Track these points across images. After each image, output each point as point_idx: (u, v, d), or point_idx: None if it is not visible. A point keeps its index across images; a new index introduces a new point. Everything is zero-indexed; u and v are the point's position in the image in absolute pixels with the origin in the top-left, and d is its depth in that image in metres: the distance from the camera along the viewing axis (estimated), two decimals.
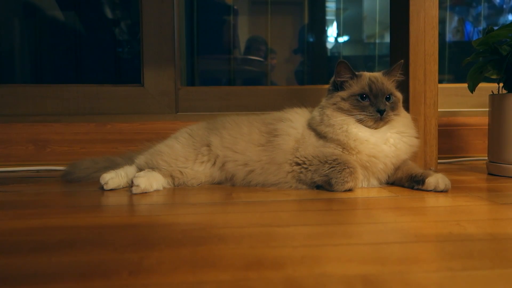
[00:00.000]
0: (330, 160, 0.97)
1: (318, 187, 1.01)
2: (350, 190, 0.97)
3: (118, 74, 2.01)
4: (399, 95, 1.09)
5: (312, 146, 1.03)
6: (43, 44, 1.96)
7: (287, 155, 1.04)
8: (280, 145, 1.05)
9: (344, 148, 1.00)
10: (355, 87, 1.04)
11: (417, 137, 1.08)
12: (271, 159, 1.05)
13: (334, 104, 1.04)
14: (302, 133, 1.06)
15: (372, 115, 1.01)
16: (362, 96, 1.02)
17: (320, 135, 1.04)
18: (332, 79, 1.09)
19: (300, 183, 1.02)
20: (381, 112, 1.00)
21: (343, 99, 1.04)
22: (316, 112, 1.07)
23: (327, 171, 0.97)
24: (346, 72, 1.05)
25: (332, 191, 0.97)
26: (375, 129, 1.02)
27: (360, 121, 1.01)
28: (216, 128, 1.14)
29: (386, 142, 1.02)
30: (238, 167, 1.08)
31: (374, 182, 1.03)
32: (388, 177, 1.05)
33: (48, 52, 1.96)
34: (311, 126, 1.07)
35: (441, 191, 0.95)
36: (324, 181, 0.98)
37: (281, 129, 1.07)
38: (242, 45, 2.09)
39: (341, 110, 1.03)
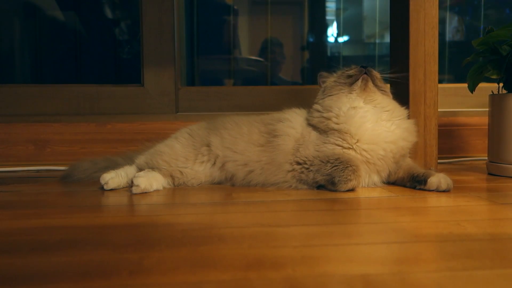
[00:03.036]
0: (332, 160, 0.97)
1: (319, 187, 1.01)
2: (352, 189, 0.96)
3: (118, 74, 2.01)
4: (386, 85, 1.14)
5: (312, 144, 1.03)
6: (43, 44, 1.96)
7: (287, 155, 1.03)
8: (279, 146, 1.05)
9: (344, 139, 1.00)
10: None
11: (411, 120, 1.10)
12: (271, 159, 1.05)
13: (324, 90, 1.12)
14: (302, 132, 1.06)
15: (359, 74, 1.06)
16: (349, 73, 1.10)
17: (320, 129, 1.05)
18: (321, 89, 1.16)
19: (301, 183, 1.02)
20: (364, 67, 1.07)
21: (332, 81, 1.12)
22: (315, 106, 1.11)
23: (329, 170, 0.97)
24: (326, 75, 1.16)
25: (335, 190, 0.96)
26: (365, 97, 1.05)
27: (351, 89, 1.06)
28: (216, 128, 1.14)
29: (381, 125, 1.02)
30: (238, 167, 1.08)
31: (375, 177, 1.03)
32: (389, 172, 1.05)
33: (48, 52, 1.96)
34: (311, 123, 1.07)
35: (443, 191, 0.95)
36: (327, 180, 0.97)
37: (280, 129, 1.07)
38: (243, 45, 2.09)
39: (333, 89, 1.09)
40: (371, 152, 1.00)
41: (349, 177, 0.94)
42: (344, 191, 0.96)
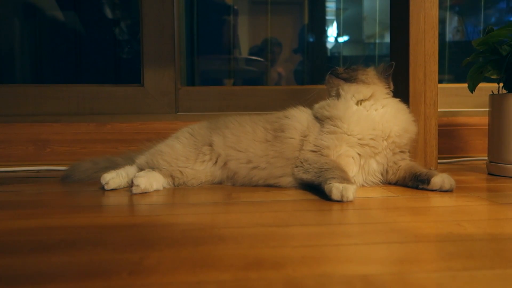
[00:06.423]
0: (322, 164, 0.98)
1: (316, 189, 1.01)
2: (344, 189, 0.89)
3: (118, 74, 2.01)
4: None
5: (313, 138, 1.05)
6: (43, 44, 1.96)
7: (295, 149, 1.05)
8: (288, 139, 1.07)
9: (335, 125, 1.04)
10: None
11: (398, 106, 1.10)
12: (279, 153, 1.06)
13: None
14: (308, 125, 1.09)
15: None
16: None
17: (319, 119, 1.09)
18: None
19: (305, 173, 1.01)
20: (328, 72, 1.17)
21: None
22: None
23: (319, 173, 0.97)
24: None
25: (329, 195, 0.90)
26: (341, 93, 1.11)
27: (335, 95, 1.14)
28: (218, 128, 1.15)
29: (361, 110, 1.06)
30: (241, 165, 1.09)
31: (374, 164, 1.04)
32: (387, 165, 1.05)
33: (48, 52, 1.96)
34: (315, 115, 1.11)
35: (446, 191, 0.96)
36: (319, 182, 0.97)
37: (287, 124, 1.09)
38: (243, 45, 2.09)
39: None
40: (361, 132, 1.02)
41: (336, 175, 0.91)
42: (336, 195, 0.87)
